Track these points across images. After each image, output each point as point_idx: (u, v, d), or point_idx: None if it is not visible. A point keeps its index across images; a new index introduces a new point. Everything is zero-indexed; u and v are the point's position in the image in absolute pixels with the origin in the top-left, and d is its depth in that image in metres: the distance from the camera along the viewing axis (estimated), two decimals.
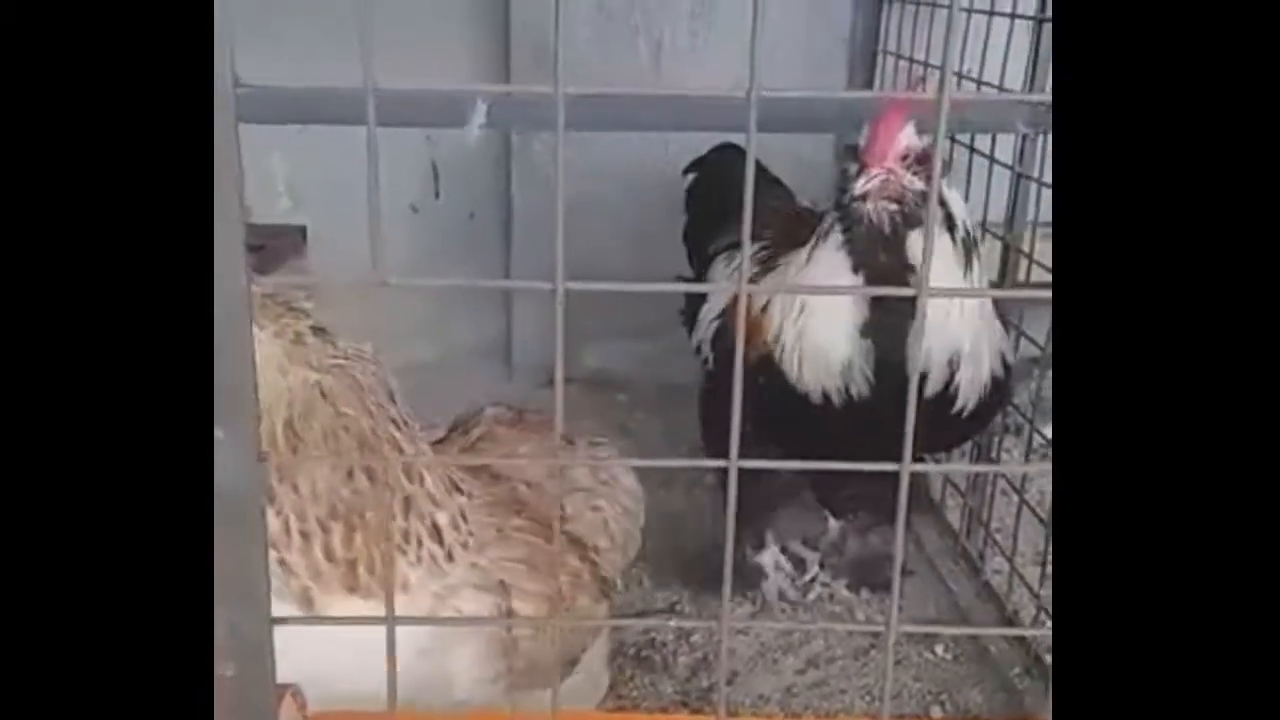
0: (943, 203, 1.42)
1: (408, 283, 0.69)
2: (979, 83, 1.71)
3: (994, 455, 1.79)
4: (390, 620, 0.72)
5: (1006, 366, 1.52)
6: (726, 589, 0.76)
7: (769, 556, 1.72)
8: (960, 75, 1.76)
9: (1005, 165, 1.65)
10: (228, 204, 0.62)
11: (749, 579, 1.70)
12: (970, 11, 1.69)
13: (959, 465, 1.89)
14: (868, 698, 1.55)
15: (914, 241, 1.39)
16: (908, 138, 1.38)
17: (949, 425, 1.45)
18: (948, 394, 1.43)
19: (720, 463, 0.73)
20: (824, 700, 1.54)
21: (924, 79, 1.98)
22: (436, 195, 2.44)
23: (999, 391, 1.51)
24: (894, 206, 1.38)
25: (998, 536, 1.75)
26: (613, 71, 2.26)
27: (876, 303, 1.40)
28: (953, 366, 1.42)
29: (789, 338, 1.47)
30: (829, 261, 1.43)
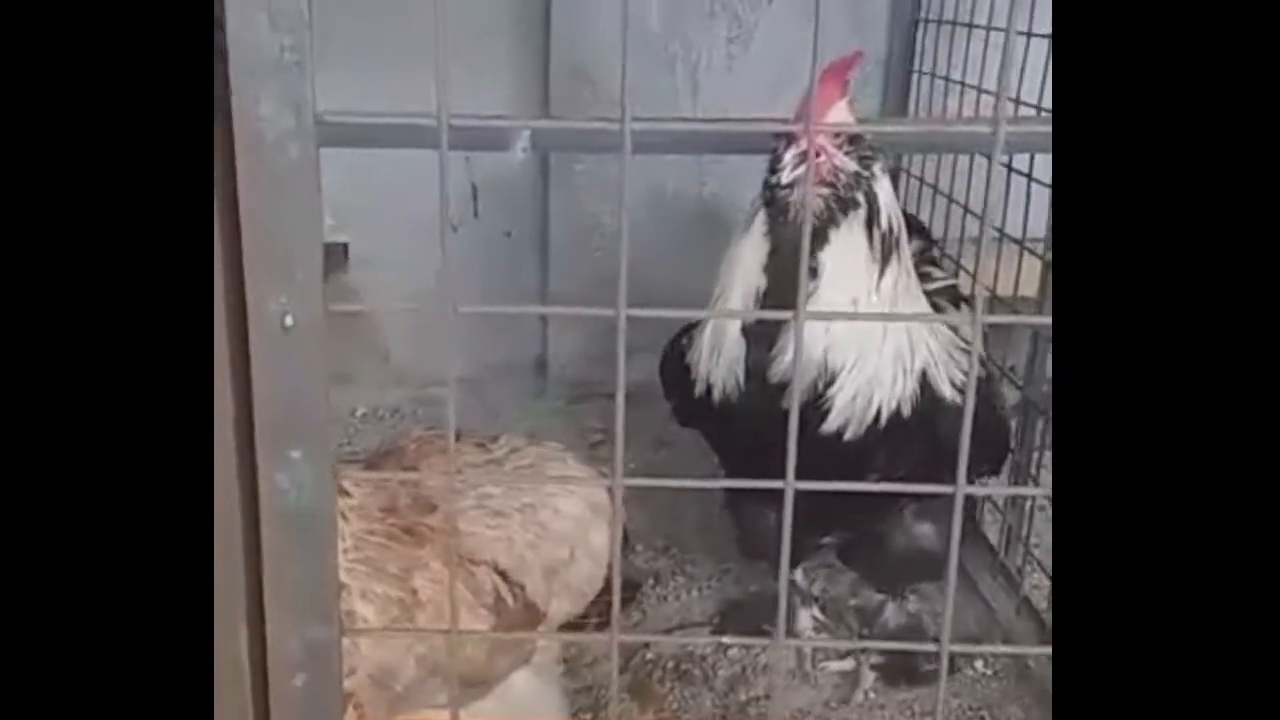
0: (869, 194, 1.30)
1: (475, 309, 0.72)
2: (1017, 102, 1.72)
3: (1034, 472, 1.79)
4: (453, 632, 0.75)
5: (935, 401, 1.30)
6: (783, 603, 0.78)
7: (800, 605, 1.68)
8: (997, 95, 1.78)
9: (1045, 184, 1.66)
10: (309, 229, 0.65)
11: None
12: (1008, 31, 1.71)
13: (1001, 489, 1.89)
14: (908, 713, 1.55)
15: (832, 240, 1.27)
16: (842, 112, 1.26)
17: (826, 448, 1.26)
18: (817, 408, 1.27)
19: (777, 483, 0.75)
20: (863, 715, 1.55)
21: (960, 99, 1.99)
22: (475, 214, 2.48)
23: (921, 428, 1.28)
24: (825, 191, 1.26)
25: (1036, 552, 1.75)
26: (649, 93, 2.29)
27: (761, 302, 1.29)
28: (822, 379, 1.28)
29: (707, 323, 1.37)
30: (752, 250, 1.31)
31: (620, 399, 0.73)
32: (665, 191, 2.36)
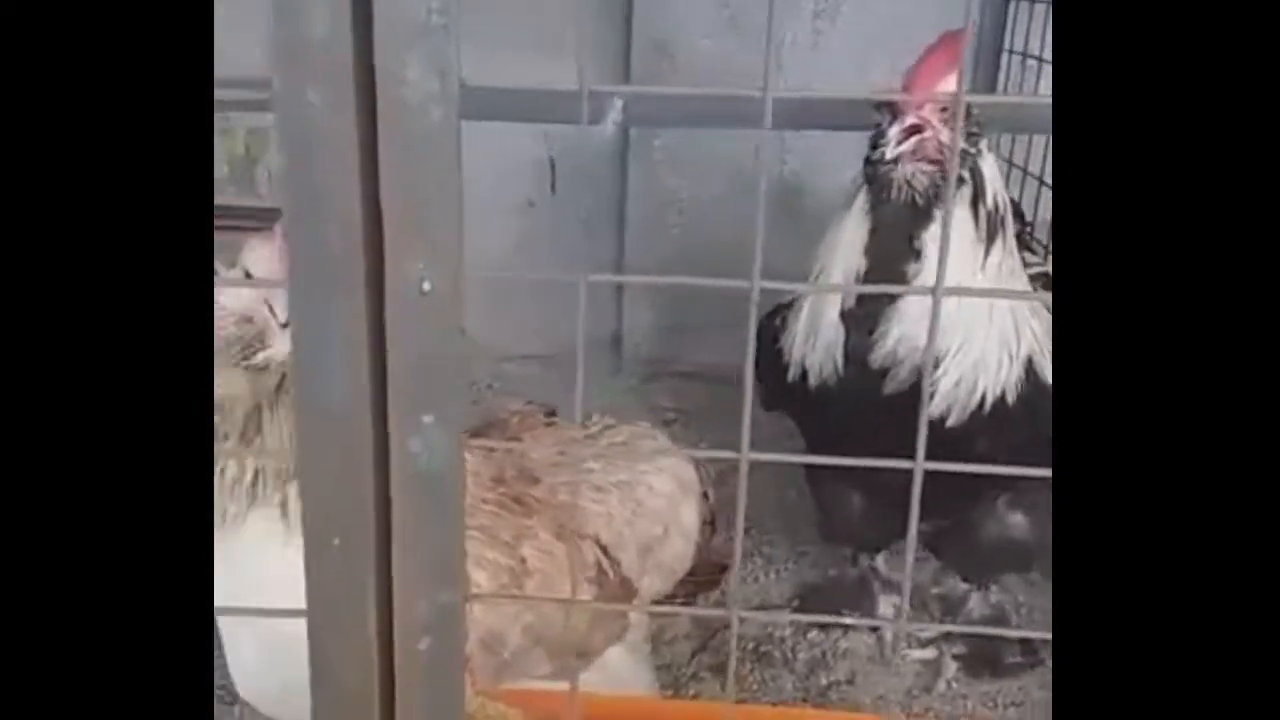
0: (975, 171, 1.26)
1: (603, 279, 0.71)
2: None
3: None
4: (572, 602, 0.75)
5: (1039, 388, 1.27)
6: (906, 585, 0.76)
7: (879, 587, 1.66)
8: None
9: None
10: (449, 194, 0.65)
11: (865, 590, 1.66)
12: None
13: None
14: (990, 704, 1.53)
15: (936, 219, 1.23)
16: (951, 85, 1.20)
17: (933, 436, 1.27)
18: (920, 393, 1.27)
19: (905, 464, 0.74)
20: (945, 704, 1.53)
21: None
22: (552, 190, 2.48)
23: (1025, 415, 1.25)
24: (930, 168, 1.22)
25: None
26: (730, 69, 2.26)
27: (861, 284, 1.27)
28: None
29: (803, 302, 1.35)
30: (852, 229, 1.29)
31: (749, 371, 0.73)
32: (746, 169, 2.33)
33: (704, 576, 1.40)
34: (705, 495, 1.34)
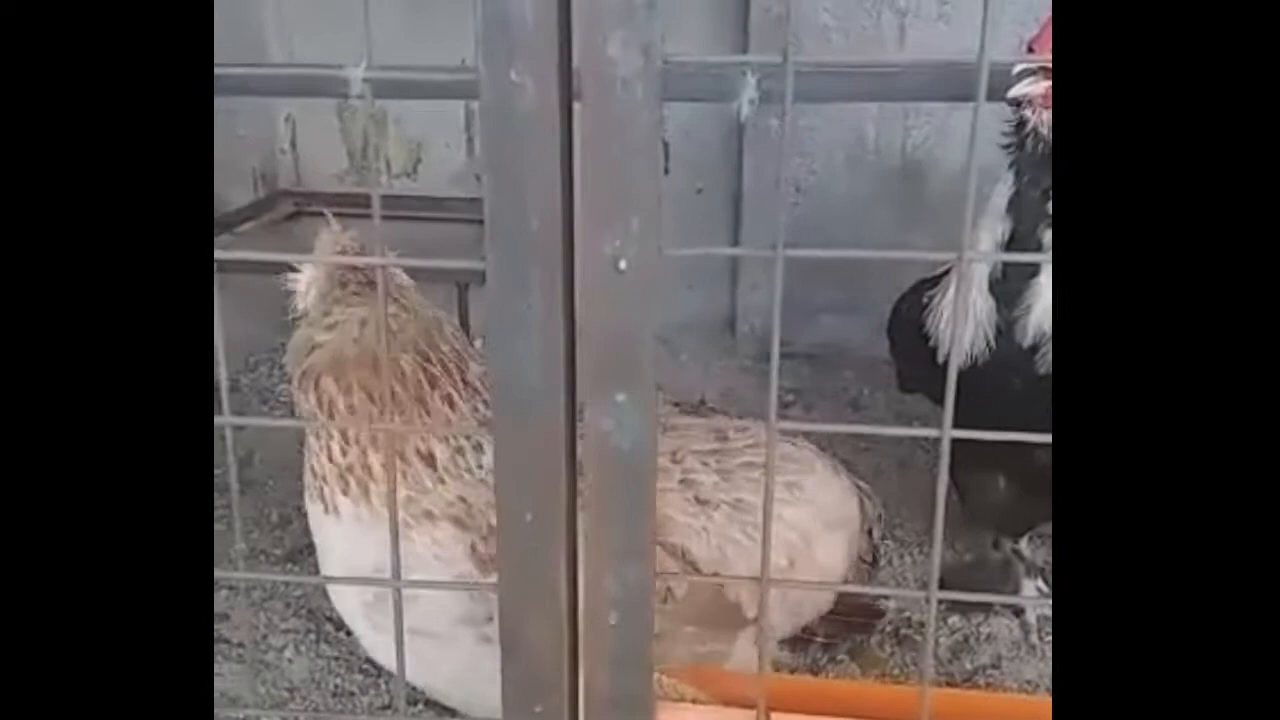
0: None
1: (800, 254, 0.70)
2: None
3: None
4: (764, 581, 0.74)
5: None
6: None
7: (1023, 570, 1.63)
8: None
9: None
10: (649, 171, 0.64)
11: (1008, 574, 1.62)
12: None
13: None
14: None
15: None
16: None
17: None
18: None
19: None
20: None
21: None
22: (665, 171, 2.47)
23: None
24: None
25: None
26: (851, 39, 2.22)
27: (1006, 247, 1.26)
28: None
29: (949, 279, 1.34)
30: (998, 195, 1.29)
31: (955, 356, 0.71)
32: (867, 144, 2.28)
33: (854, 618, 1.30)
34: (869, 532, 1.25)
